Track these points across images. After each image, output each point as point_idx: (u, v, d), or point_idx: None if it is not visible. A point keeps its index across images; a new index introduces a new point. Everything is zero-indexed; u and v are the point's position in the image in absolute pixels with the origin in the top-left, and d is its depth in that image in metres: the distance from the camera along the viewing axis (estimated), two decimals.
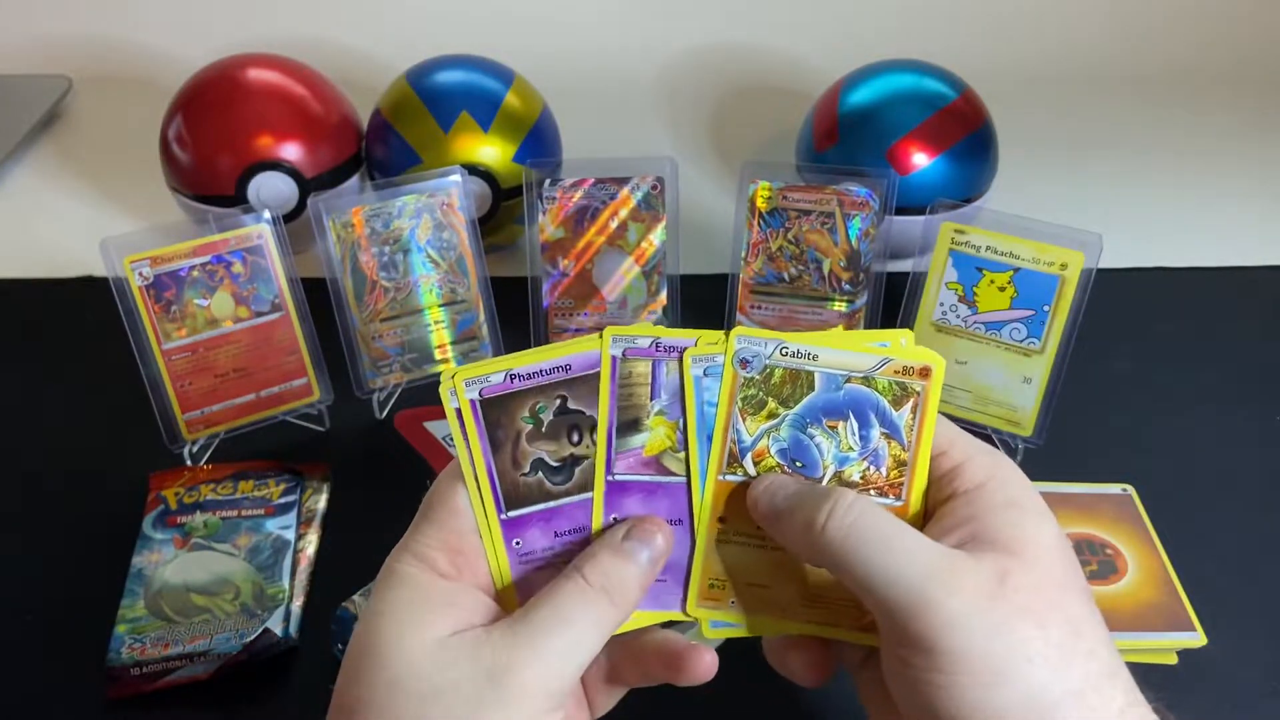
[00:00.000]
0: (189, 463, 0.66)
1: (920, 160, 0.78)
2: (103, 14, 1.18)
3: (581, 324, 0.71)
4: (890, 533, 0.36)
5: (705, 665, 0.39)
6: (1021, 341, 0.64)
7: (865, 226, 0.69)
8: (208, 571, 0.59)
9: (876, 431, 0.39)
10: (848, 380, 0.39)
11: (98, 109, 1.08)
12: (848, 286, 0.70)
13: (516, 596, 0.39)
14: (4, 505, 0.65)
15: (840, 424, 0.39)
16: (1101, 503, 0.62)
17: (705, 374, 0.39)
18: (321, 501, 0.64)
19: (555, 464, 0.40)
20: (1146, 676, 0.37)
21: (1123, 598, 0.57)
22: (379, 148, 0.81)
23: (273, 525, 0.61)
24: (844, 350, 0.39)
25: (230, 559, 0.59)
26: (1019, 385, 0.65)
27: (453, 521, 0.39)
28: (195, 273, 0.64)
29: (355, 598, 0.55)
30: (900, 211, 0.72)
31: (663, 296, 0.72)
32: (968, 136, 0.79)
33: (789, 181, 0.70)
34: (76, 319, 0.79)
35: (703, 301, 0.75)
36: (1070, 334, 0.63)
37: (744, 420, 0.40)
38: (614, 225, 0.70)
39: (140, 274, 0.62)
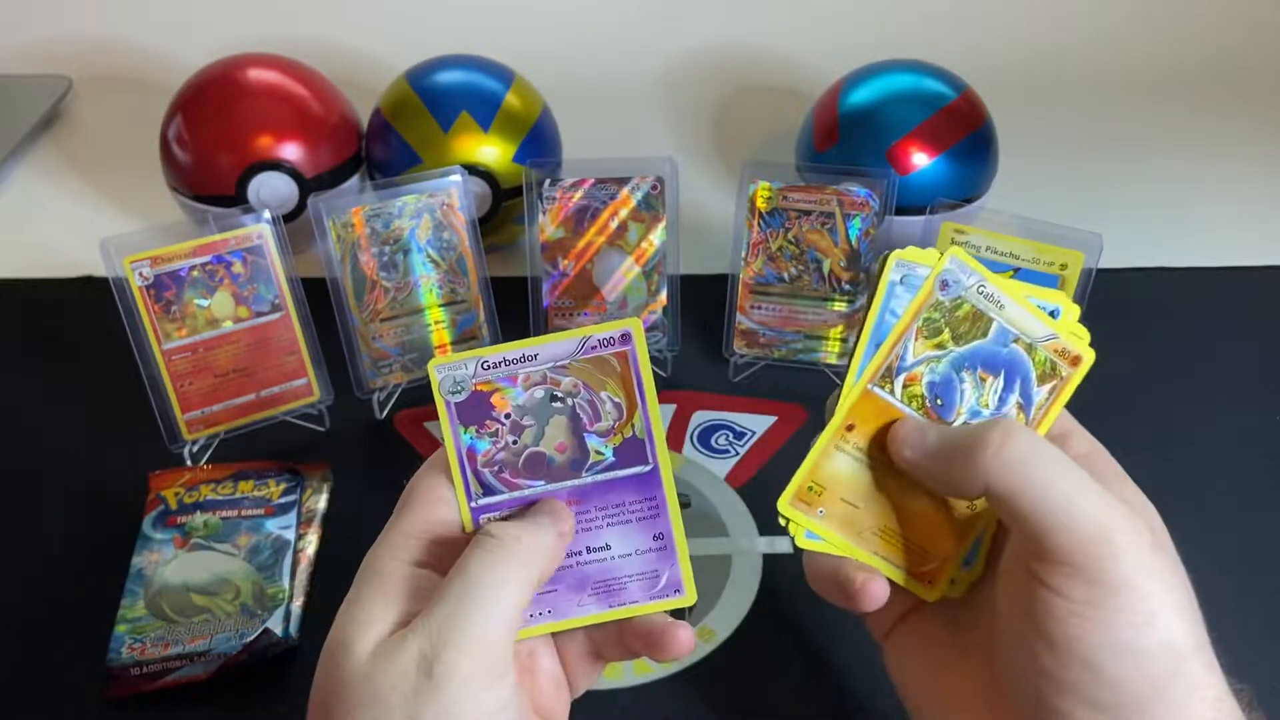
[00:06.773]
0: (189, 463, 0.66)
1: (920, 160, 0.78)
2: (103, 14, 1.18)
3: (582, 324, 0.71)
4: (1066, 461, 0.37)
5: (682, 642, 0.39)
6: None
7: (865, 226, 0.69)
8: (208, 571, 0.59)
9: (1015, 398, 0.40)
10: (1015, 340, 0.40)
11: (98, 109, 1.08)
12: (848, 286, 0.70)
13: None
14: (4, 505, 0.65)
15: (990, 378, 0.40)
16: None
17: (901, 282, 0.39)
18: (321, 501, 0.64)
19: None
20: None
21: None
22: (379, 148, 0.81)
23: (273, 525, 0.61)
24: (1026, 311, 0.39)
25: (230, 559, 0.59)
26: None
27: (430, 512, 0.39)
28: (195, 273, 0.64)
29: None
30: (900, 211, 0.72)
31: (663, 296, 0.72)
32: (968, 136, 0.79)
33: (789, 181, 0.70)
34: (76, 319, 0.79)
35: (703, 301, 0.75)
36: None
37: (915, 340, 0.40)
38: (614, 225, 0.70)
39: (140, 274, 0.63)
